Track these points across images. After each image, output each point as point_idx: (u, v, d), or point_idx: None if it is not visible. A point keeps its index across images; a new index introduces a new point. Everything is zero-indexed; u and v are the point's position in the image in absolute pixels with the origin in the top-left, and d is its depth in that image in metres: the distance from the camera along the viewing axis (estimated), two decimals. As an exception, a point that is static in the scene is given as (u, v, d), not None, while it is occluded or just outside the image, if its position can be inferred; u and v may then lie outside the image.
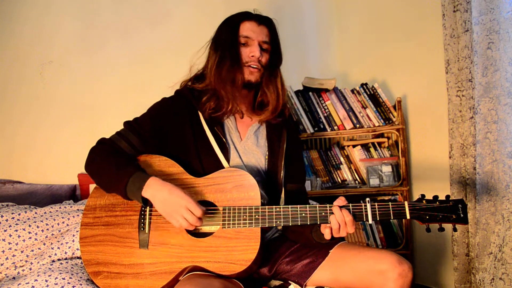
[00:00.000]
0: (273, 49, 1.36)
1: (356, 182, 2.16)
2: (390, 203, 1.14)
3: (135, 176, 1.16)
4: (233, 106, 1.31)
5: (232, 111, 1.33)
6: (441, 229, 1.12)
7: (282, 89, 1.38)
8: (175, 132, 1.30)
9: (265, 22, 1.34)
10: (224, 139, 1.30)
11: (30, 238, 1.52)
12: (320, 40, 2.48)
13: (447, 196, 1.15)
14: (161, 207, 1.15)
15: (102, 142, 1.29)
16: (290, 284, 1.27)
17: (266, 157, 1.36)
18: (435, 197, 1.15)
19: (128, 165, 1.20)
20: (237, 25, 1.31)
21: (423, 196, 1.15)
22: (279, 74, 1.38)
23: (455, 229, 1.15)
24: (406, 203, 1.13)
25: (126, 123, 1.31)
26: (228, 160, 1.28)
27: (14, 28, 2.26)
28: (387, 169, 2.07)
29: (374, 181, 2.08)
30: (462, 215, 1.12)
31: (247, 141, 1.36)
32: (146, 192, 1.15)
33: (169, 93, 1.39)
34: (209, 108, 1.30)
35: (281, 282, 1.30)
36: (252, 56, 1.30)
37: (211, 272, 1.13)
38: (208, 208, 1.20)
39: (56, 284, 1.25)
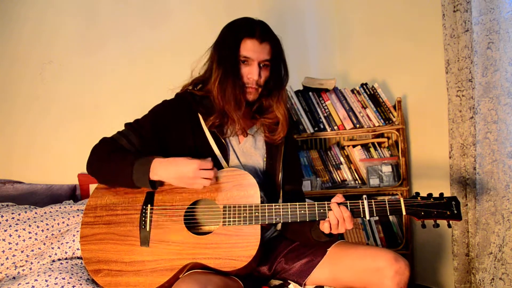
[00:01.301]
0: (275, 66, 1.32)
1: (356, 182, 2.16)
2: (386, 199, 1.17)
3: (138, 163, 1.18)
4: (238, 125, 1.30)
5: (235, 130, 1.32)
6: (436, 225, 1.15)
7: (285, 113, 1.36)
8: (175, 133, 1.31)
9: (268, 39, 1.29)
10: (223, 141, 1.31)
11: (30, 238, 1.52)
12: (320, 40, 2.48)
13: (441, 194, 1.18)
14: (178, 183, 1.19)
15: (103, 141, 1.30)
16: (289, 283, 1.27)
17: (265, 159, 1.37)
18: (429, 194, 1.18)
19: (128, 155, 1.22)
20: (239, 42, 1.26)
21: (417, 193, 1.19)
22: (284, 95, 1.36)
23: (449, 225, 1.19)
24: (401, 199, 1.16)
25: (128, 124, 1.32)
26: (227, 161, 1.29)
27: (14, 28, 2.26)
28: (387, 169, 2.07)
29: (374, 181, 2.08)
30: (456, 212, 1.15)
31: (246, 143, 1.36)
32: (155, 176, 1.18)
33: (169, 93, 1.40)
34: (214, 125, 1.30)
35: (281, 281, 1.30)
36: (250, 77, 1.28)
37: (211, 268, 1.14)
38: (209, 205, 1.21)
39: (56, 284, 1.25)
